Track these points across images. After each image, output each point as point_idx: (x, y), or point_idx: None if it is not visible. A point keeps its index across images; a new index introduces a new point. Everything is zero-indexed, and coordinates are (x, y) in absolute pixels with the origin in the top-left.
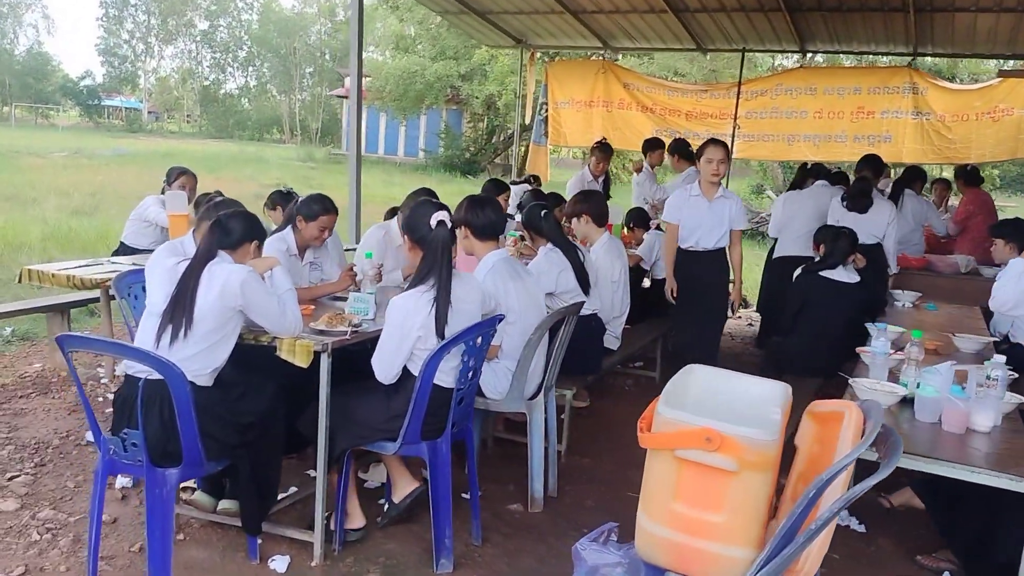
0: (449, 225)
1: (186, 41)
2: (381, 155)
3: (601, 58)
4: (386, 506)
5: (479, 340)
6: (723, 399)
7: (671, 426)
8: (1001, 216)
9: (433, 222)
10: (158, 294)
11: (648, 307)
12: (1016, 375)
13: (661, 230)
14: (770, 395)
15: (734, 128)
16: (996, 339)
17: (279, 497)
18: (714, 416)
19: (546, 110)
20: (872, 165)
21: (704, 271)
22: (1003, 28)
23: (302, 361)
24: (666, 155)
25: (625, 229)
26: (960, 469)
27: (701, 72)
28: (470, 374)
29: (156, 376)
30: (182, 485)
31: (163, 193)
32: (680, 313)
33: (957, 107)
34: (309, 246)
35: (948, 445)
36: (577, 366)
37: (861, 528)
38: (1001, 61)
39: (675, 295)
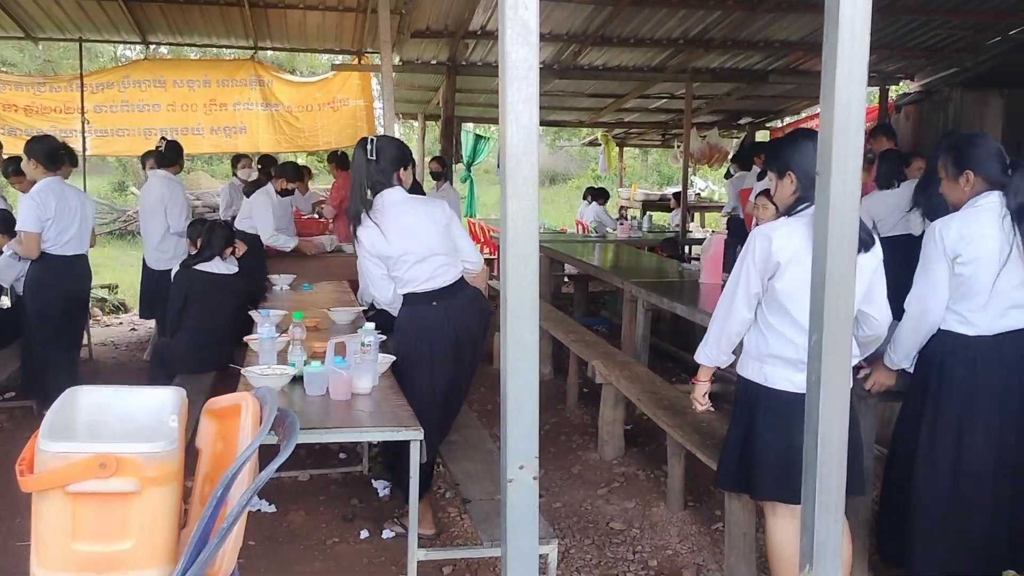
0: None
1: None
2: None
3: None
4: None
5: None
6: (115, 417)
7: (59, 460)
8: None
9: None
10: None
11: (4, 331)
12: (384, 336)
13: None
14: (164, 403)
15: (83, 123)
16: (364, 308)
17: None
18: (108, 438)
19: None
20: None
21: None
22: (329, 25)
23: None
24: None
25: None
26: (350, 432)
27: (35, 63)
28: None
29: None
30: None
31: None
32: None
33: (301, 98)
34: None
35: (338, 413)
36: None
37: (272, 508)
38: (332, 56)
39: None
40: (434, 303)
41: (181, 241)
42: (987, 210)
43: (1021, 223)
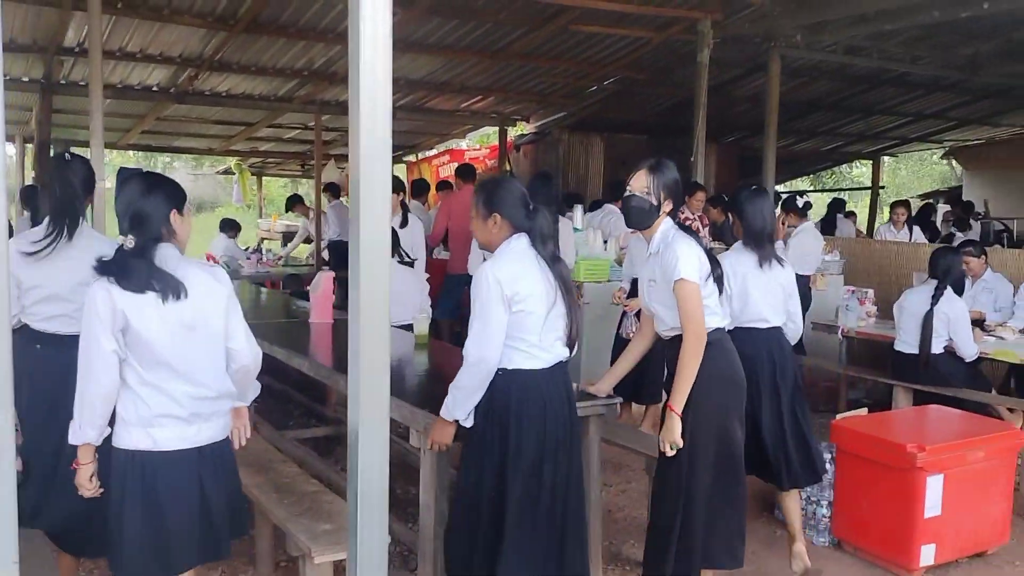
0: None
1: None
2: None
3: None
4: None
5: None
6: None
7: None
8: None
9: None
10: None
11: None
12: None
13: None
14: None
15: None
16: None
17: None
18: None
19: None
20: None
21: None
22: None
23: None
24: None
25: None
26: None
27: None
28: None
29: None
30: None
31: None
32: None
33: None
34: None
35: None
36: None
37: None
38: None
39: None
40: (38, 346)
41: None
42: (522, 251)
43: (551, 262)
